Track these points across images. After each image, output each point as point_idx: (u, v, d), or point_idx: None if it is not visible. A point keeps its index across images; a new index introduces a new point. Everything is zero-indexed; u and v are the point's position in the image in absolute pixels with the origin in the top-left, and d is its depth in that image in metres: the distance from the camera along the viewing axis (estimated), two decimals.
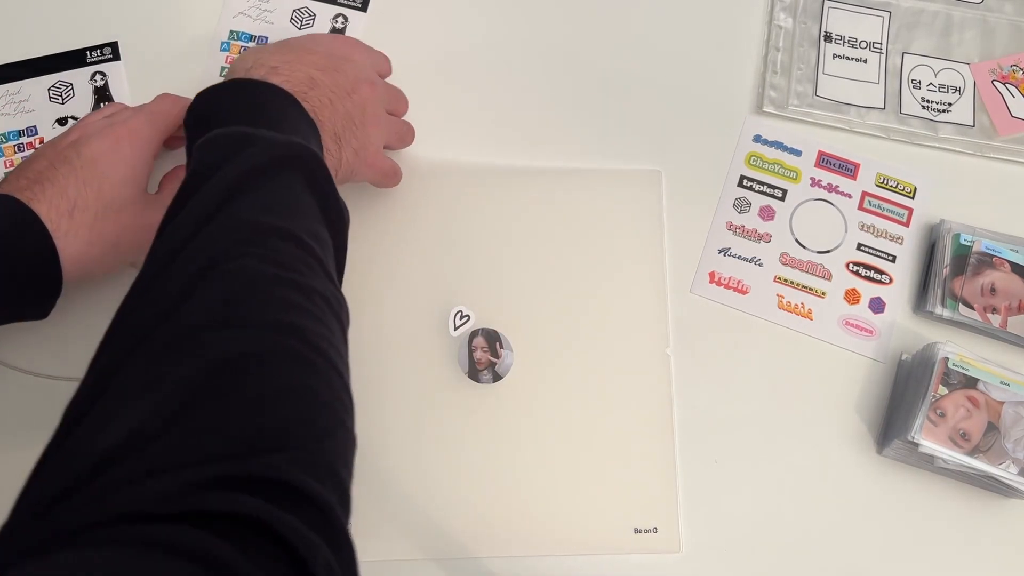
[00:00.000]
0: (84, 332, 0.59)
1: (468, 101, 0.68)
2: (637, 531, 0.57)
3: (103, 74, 0.68)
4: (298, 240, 0.42)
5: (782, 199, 0.65)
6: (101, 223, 0.53)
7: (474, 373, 0.60)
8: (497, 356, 0.60)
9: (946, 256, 0.61)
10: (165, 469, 0.31)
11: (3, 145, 0.66)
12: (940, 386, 0.55)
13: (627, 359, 0.61)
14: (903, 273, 0.63)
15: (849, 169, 0.66)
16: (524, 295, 0.62)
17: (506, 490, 0.58)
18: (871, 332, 0.62)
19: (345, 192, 0.49)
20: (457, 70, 0.69)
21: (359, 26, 0.70)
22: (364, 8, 0.71)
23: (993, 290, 0.60)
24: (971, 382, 0.56)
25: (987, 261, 0.61)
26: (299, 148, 0.46)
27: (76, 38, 0.68)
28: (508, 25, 0.70)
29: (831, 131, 0.67)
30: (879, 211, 0.65)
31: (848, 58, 0.69)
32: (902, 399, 0.58)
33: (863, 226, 0.64)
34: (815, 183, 0.65)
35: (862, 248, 0.64)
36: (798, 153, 0.66)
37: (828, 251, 0.64)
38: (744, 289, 0.63)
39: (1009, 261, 0.61)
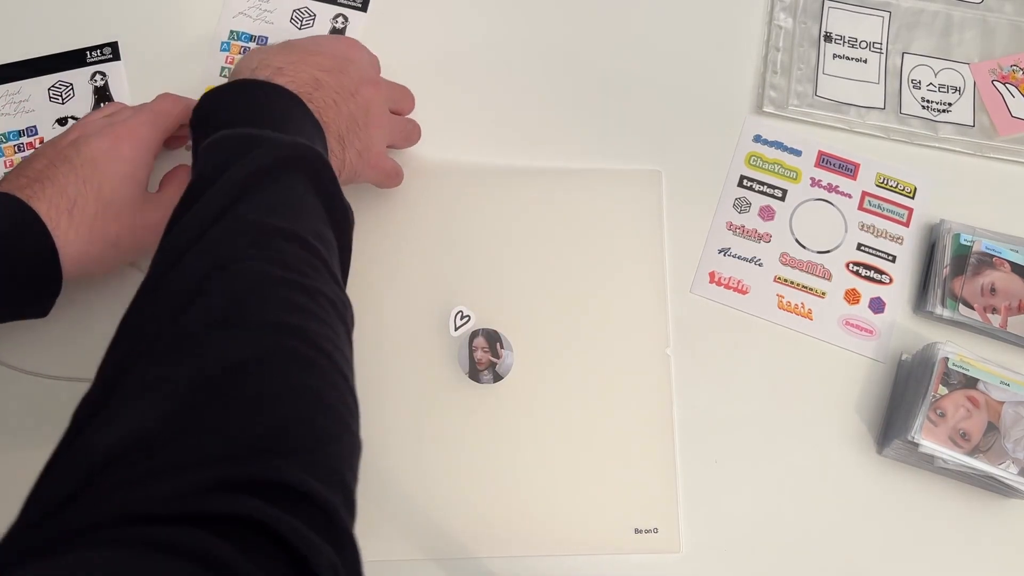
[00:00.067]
0: (84, 332, 0.59)
1: (468, 101, 0.68)
2: (637, 531, 0.57)
3: (103, 74, 0.68)
4: (303, 241, 0.42)
5: (782, 199, 0.65)
6: (101, 222, 0.53)
7: (474, 373, 0.60)
8: (497, 356, 0.60)
9: (946, 256, 0.61)
10: (166, 471, 0.31)
11: (3, 145, 0.66)
12: (940, 386, 0.55)
13: (627, 359, 0.61)
14: (903, 273, 0.63)
15: (849, 169, 0.66)
16: (524, 295, 0.62)
17: (506, 490, 0.58)
18: (871, 332, 0.62)
19: (345, 192, 0.49)
20: (457, 70, 0.69)
21: (359, 26, 0.70)
22: (364, 8, 0.71)
23: (993, 290, 0.60)
24: (971, 382, 0.56)
25: (987, 261, 0.61)
26: (304, 149, 0.46)
27: (76, 38, 0.68)
28: (508, 25, 0.70)
29: (831, 131, 0.67)
30: (879, 211, 0.65)
31: (848, 58, 0.69)
32: (902, 399, 0.58)
33: (863, 226, 0.64)
34: (815, 183, 0.65)
35: (862, 248, 0.64)
36: (798, 153, 0.66)
37: (828, 251, 0.64)
38: (744, 289, 0.63)
39: (1009, 261, 0.61)
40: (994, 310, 0.60)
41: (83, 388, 0.35)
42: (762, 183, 0.65)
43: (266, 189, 0.43)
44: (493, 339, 0.61)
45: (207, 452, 0.33)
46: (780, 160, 0.66)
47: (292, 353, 0.37)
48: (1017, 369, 0.57)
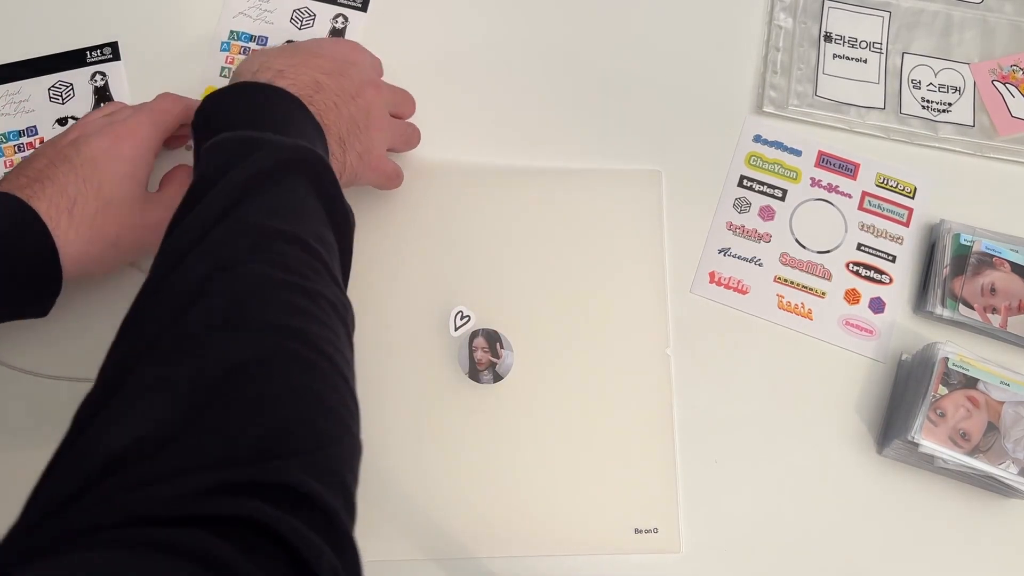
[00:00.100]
0: (84, 332, 0.59)
1: (468, 101, 0.68)
2: (637, 531, 0.57)
3: (103, 74, 0.68)
4: (304, 244, 0.42)
5: (782, 199, 0.65)
6: (101, 221, 0.53)
7: (474, 373, 0.60)
8: (497, 356, 0.60)
9: (946, 256, 0.61)
10: (167, 472, 0.31)
11: (3, 145, 0.66)
12: (940, 386, 0.55)
13: (627, 359, 0.61)
14: (903, 273, 0.63)
15: (849, 169, 0.66)
16: (524, 295, 0.62)
17: (506, 490, 0.58)
18: (871, 332, 0.62)
19: (346, 192, 0.49)
20: (457, 70, 0.69)
21: (359, 26, 0.70)
22: (364, 8, 0.70)
23: (993, 290, 0.60)
24: (971, 382, 0.56)
25: (987, 261, 0.61)
26: (305, 152, 0.46)
27: (76, 38, 0.68)
28: (508, 25, 0.70)
29: (831, 131, 0.67)
30: (879, 211, 0.65)
31: (848, 58, 0.69)
32: (902, 399, 0.58)
33: (863, 226, 0.64)
34: (815, 183, 0.65)
35: (862, 248, 0.64)
36: (798, 153, 0.66)
37: (828, 251, 0.64)
38: (744, 289, 0.63)
39: (1009, 261, 0.61)
40: (994, 310, 0.60)
41: (83, 388, 0.35)
42: (762, 183, 0.65)
43: (267, 191, 0.43)
44: (493, 339, 0.61)
45: (208, 453, 0.33)
46: (780, 160, 0.66)
47: (293, 355, 0.37)
48: (1017, 369, 0.57)
